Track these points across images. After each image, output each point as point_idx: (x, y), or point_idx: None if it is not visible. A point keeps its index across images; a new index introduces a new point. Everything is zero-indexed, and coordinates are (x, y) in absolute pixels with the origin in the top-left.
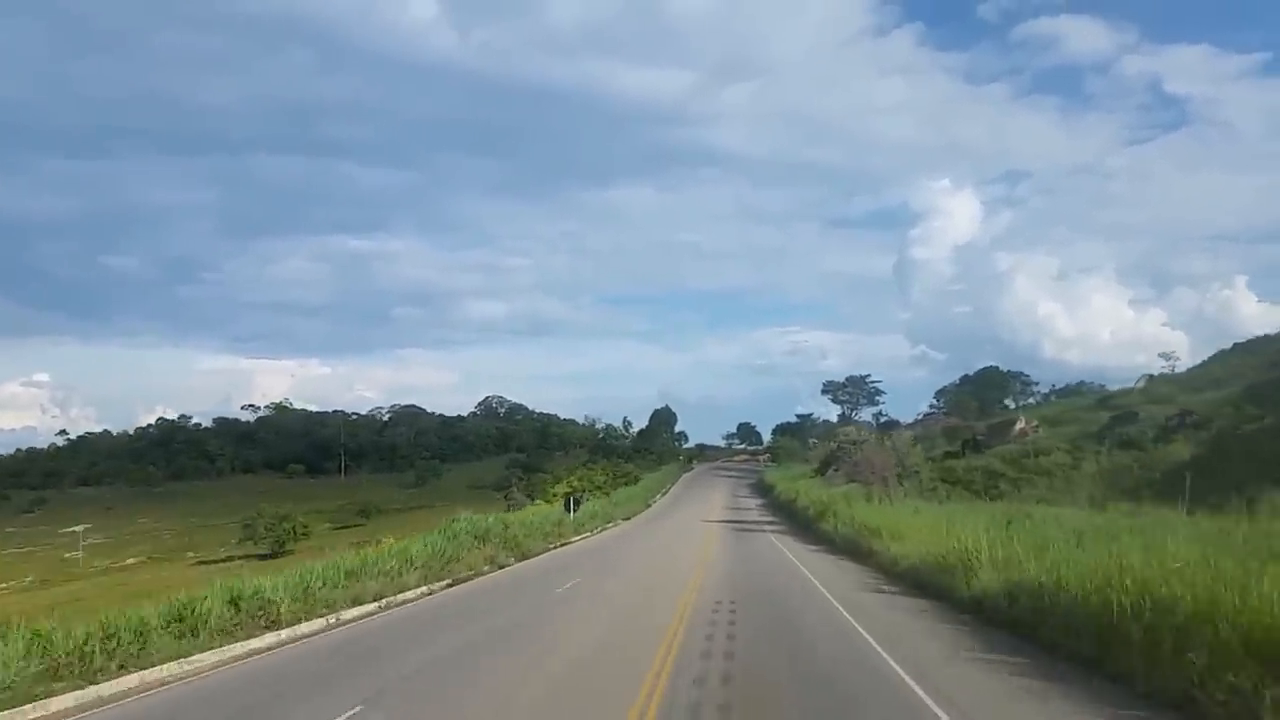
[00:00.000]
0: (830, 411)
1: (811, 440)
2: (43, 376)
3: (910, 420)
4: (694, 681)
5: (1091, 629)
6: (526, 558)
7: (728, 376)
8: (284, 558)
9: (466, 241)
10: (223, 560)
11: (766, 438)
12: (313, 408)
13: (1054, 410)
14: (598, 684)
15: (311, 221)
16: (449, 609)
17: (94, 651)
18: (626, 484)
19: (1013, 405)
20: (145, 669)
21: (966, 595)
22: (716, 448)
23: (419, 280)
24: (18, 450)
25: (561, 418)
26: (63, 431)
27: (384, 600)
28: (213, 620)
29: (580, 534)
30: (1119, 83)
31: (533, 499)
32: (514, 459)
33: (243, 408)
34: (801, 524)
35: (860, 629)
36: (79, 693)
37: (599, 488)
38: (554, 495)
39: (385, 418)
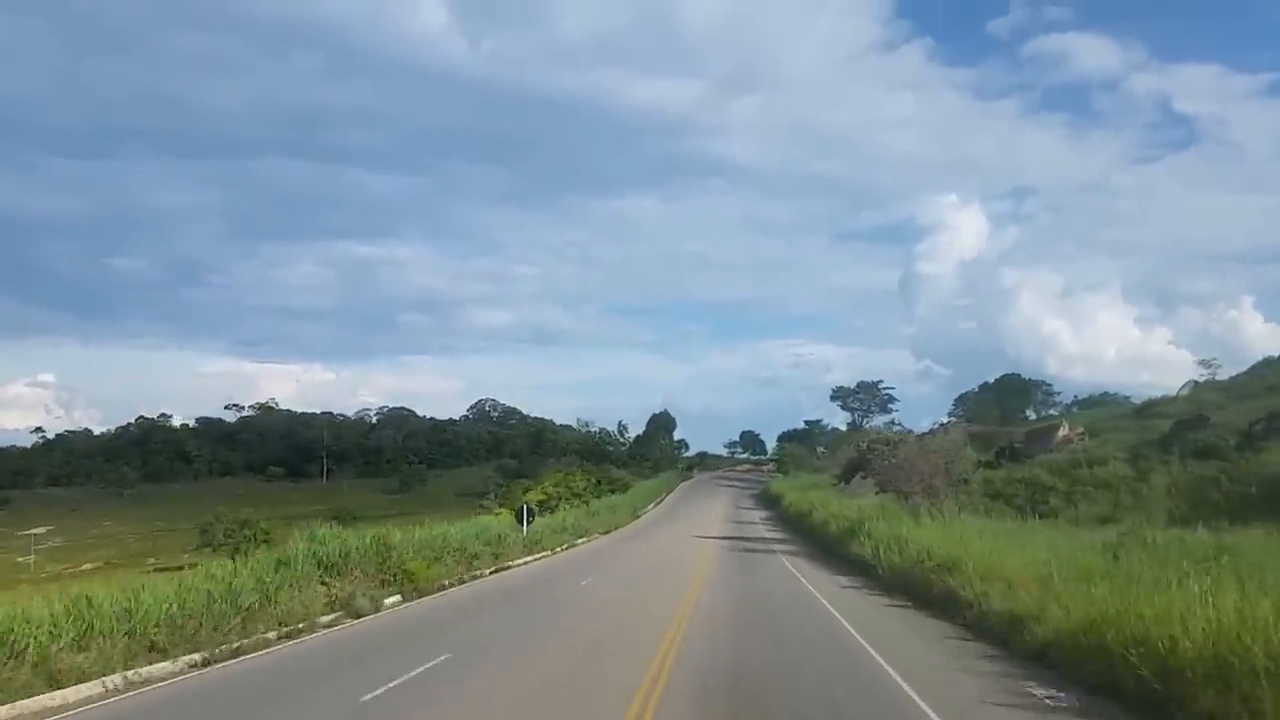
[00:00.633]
0: (839, 419)
1: (820, 448)
2: (47, 377)
3: (927, 428)
4: None
5: None
6: (422, 593)
7: (731, 388)
8: None
9: (473, 250)
10: (180, 567)
11: (771, 446)
12: (297, 409)
13: (1083, 419)
14: None
15: (319, 226)
16: None
17: None
18: (613, 492)
19: (1033, 415)
20: None
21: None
22: (718, 456)
23: (425, 287)
24: None
25: (558, 423)
26: (38, 429)
27: None
28: None
29: (534, 553)
30: (1128, 101)
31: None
32: (504, 465)
33: (226, 408)
34: (821, 544)
35: None
36: None
37: (577, 495)
38: (526, 505)
39: (373, 420)
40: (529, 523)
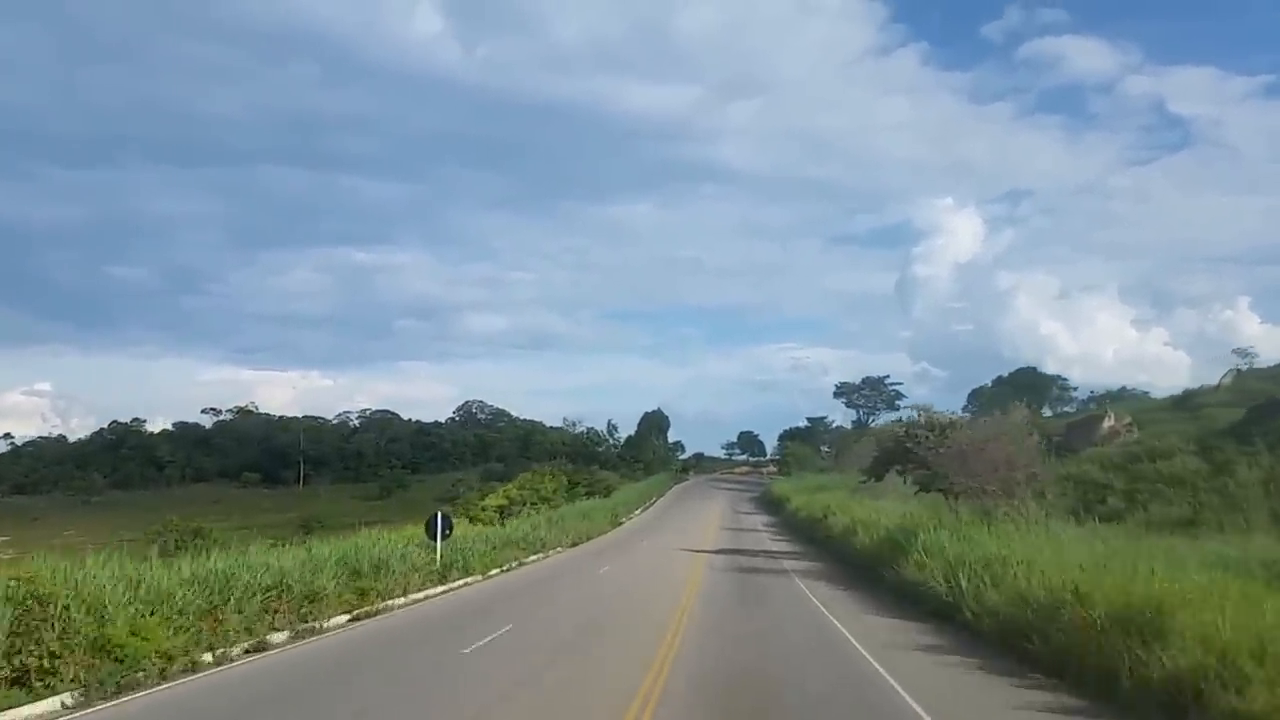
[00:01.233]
0: (843, 417)
1: (823, 448)
2: (45, 385)
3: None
4: None
5: None
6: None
7: (728, 392)
8: None
9: (469, 255)
10: None
11: (771, 446)
12: (276, 412)
13: (1116, 413)
14: None
15: (316, 233)
16: None
17: None
18: (590, 495)
19: (1049, 413)
20: None
21: None
22: (715, 459)
23: (421, 293)
24: None
25: (548, 425)
26: (7, 435)
27: None
28: None
29: (449, 582)
30: (1123, 103)
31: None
32: (490, 469)
33: (203, 411)
34: (845, 559)
35: None
36: None
37: (545, 499)
38: (484, 510)
39: (355, 424)
40: (443, 538)
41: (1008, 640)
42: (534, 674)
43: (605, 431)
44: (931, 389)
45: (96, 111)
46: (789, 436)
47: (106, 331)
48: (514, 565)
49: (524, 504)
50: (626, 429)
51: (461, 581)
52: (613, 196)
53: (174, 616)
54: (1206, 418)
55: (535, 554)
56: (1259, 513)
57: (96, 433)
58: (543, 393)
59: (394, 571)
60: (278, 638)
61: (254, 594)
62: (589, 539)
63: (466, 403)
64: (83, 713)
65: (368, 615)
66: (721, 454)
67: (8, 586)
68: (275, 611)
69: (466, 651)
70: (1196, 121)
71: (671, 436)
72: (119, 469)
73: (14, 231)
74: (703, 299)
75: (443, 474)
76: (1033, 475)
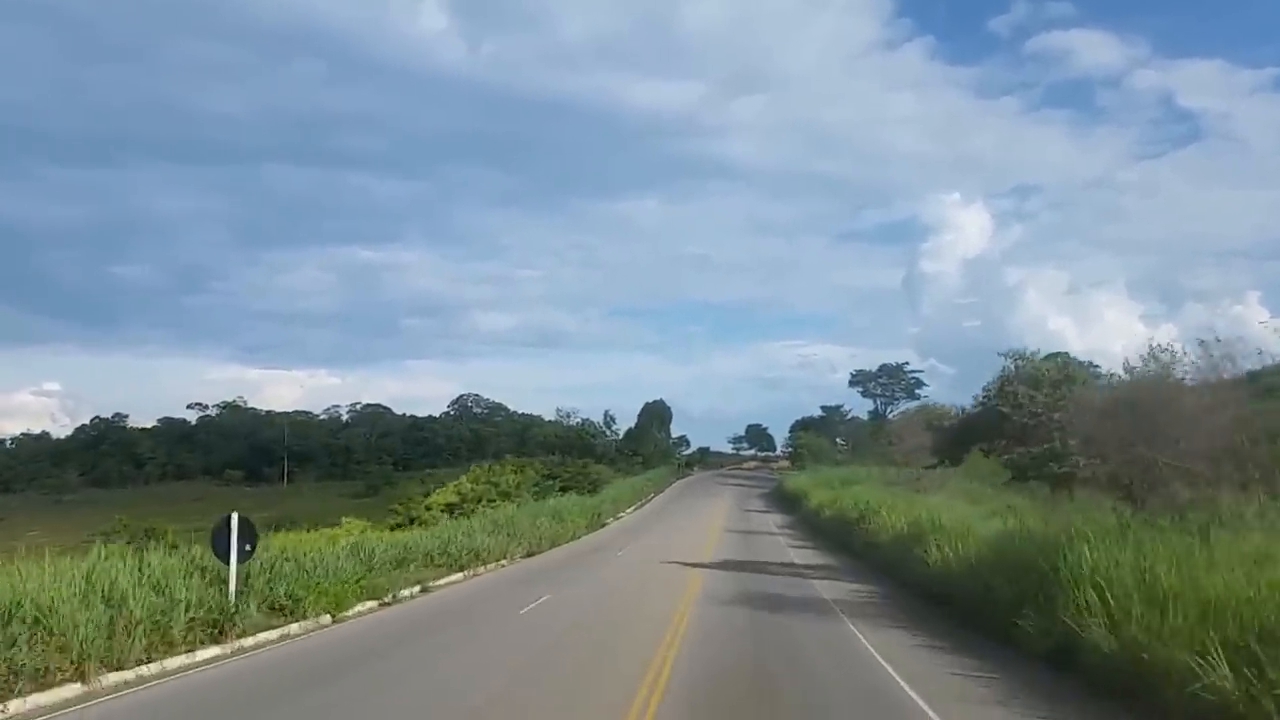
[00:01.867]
0: (859, 407)
1: (838, 439)
2: (53, 385)
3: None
4: None
5: None
6: None
7: (735, 389)
8: None
9: (476, 253)
10: None
11: (781, 440)
12: (262, 408)
13: None
14: None
15: (322, 232)
16: None
17: None
18: (565, 491)
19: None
20: None
21: None
22: (722, 454)
23: (428, 291)
24: None
25: (546, 419)
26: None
27: None
28: None
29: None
30: (1131, 97)
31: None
32: (482, 465)
33: (189, 407)
34: (911, 584)
35: None
36: None
37: (505, 495)
38: (429, 509)
39: (344, 419)
40: (242, 557)
41: None
42: None
43: (602, 423)
44: (940, 385)
45: (101, 110)
46: (801, 427)
47: (113, 331)
48: (405, 595)
49: (479, 500)
50: (630, 423)
51: (277, 634)
52: (619, 193)
53: None
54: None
55: (458, 572)
56: None
57: (79, 429)
58: (549, 390)
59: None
60: None
61: None
62: (555, 545)
63: (461, 396)
64: None
65: None
66: (728, 449)
67: None
68: None
69: None
70: (1205, 115)
71: (677, 432)
72: (97, 466)
73: (20, 231)
74: (710, 295)
75: (435, 469)
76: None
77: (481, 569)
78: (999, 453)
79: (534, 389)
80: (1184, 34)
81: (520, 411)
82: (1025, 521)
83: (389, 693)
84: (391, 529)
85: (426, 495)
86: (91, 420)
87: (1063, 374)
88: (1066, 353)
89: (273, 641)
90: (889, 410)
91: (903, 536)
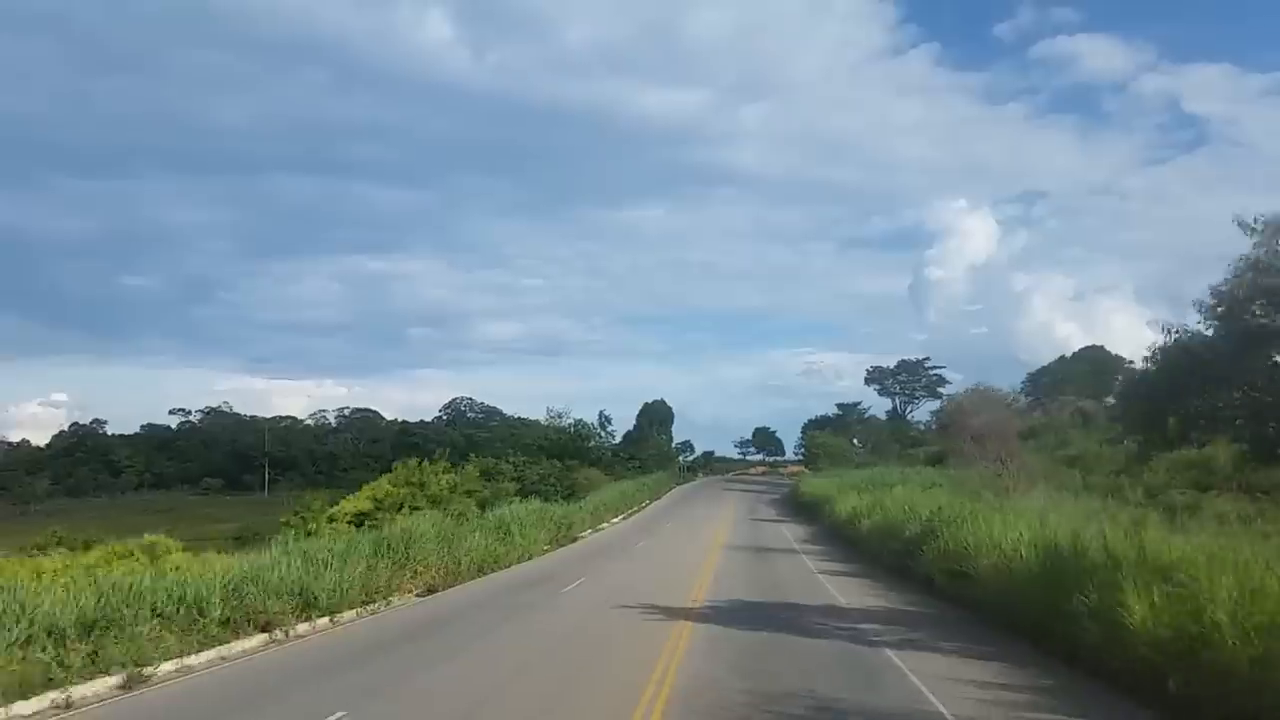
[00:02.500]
0: (877, 407)
1: (854, 440)
2: (61, 396)
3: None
4: None
5: None
6: None
7: (741, 397)
8: None
9: (482, 262)
10: None
11: (792, 444)
12: (245, 413)
13: None
14: None
15: (329, 242)
16: None
17: None
18: (527, 497)
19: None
20: None
21: None
22: (729, 459)
23: (434, 300)
24: None
25: (543, 423)
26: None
27: None
28: None
29: None
30: (1137, 102)
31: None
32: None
33: (170, 413)
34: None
35: None
36: None
37: (435, 501)
38: (332, 520)
39: (331, 424)
40: None
41: None
42: None
43: (597, 424)
44: (947, 391)
45: (109, 122)
46: (815, 426)
47: (121, 342)
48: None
49: (399, 508)
50: (632, 426)
51: None
52: (625, 201)
53: None
54: None
55: (247, 637)
56: None
57: (55, 436)
58: (556, 398)
59: None
60: None
61: None
62: (491, 571)
63: (454, 400)
64: None
65: None
66: (735, 454)
67: None
68: None
69: None
70: (1212, 120)
71: (682, 437)
72: (72, 475)
73: (29, 242)
74: (716, 303)
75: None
76: None
77: (303, 626)
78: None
79: (541, 397)
80: (1190, 38)
81: (516, 415)
82: None
83: None
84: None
85: (333, 504)
86: (70, 427)
87: None
88: None
89: None
90: (908, 410)
91: (1036, 571)
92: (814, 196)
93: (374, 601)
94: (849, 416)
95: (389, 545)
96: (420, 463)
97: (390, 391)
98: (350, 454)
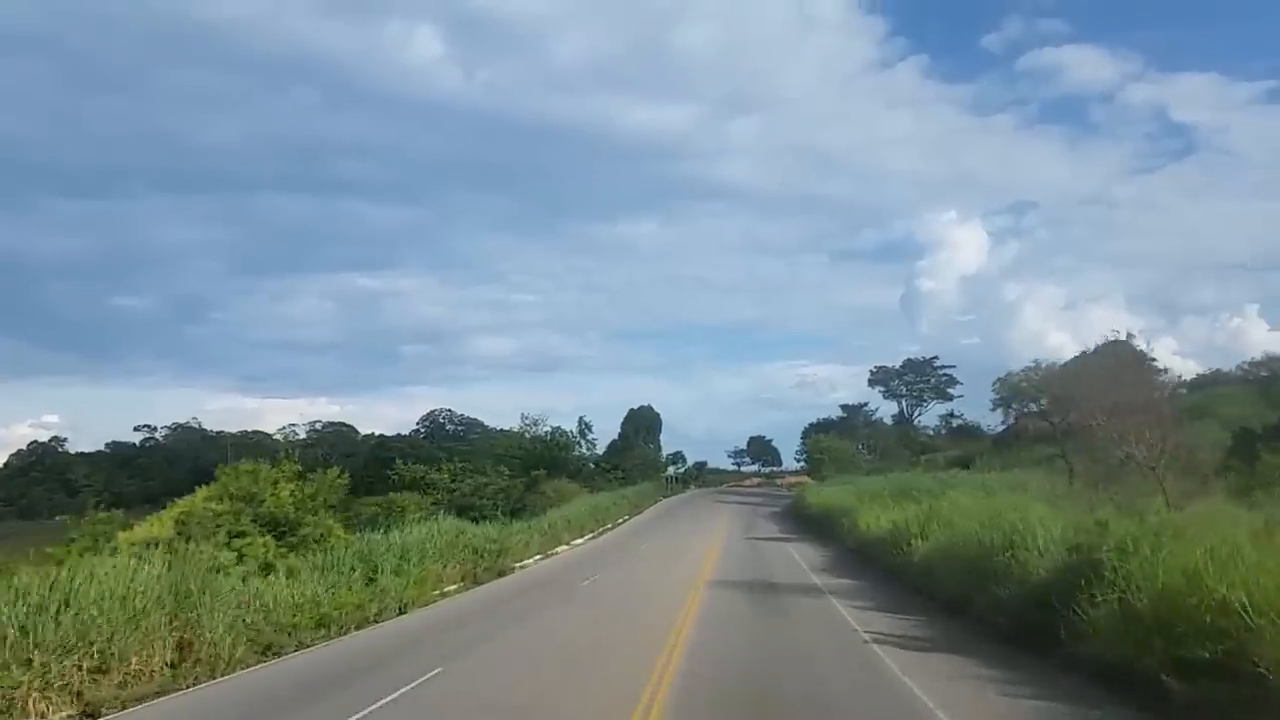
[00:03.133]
0: (884, 409)
1: (859, 445)
2: (52, 418)
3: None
4: None
5: None
6: None
7: (735, 410)
8: None
9: (475, 278)
10: None
11: (791, 451)
12: (212, 428)
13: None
14: None
15: (320, 259)
16: None
17: None
18: (487, 516)
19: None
20: None
21: None
22: (722, 471)
23: (427, 317)
24: None
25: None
26: None
27: None
28: None
29: None
30: (1125, 112)
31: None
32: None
33: (136, 429)
34: None
35: None
36: None
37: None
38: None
39: (302, 439)
40: None
41: None
42: None
43: (576, 431)
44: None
45: (99, 142)
46: (821, 428)
47: (112, 362)
48: None
49: (217, 531)
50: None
51: None
52: (617, 216)
53: None
54: None
55: None
56: None
57: (14, 454)
58: (550, 414)
59: None
60: None
61: None
62: (323, 641)
63: (432, 412)
64: None
65: None
66: (729, 464)
67: None
68: None
69: None
70: (1200, 129)
71: (673, 448)
72: (25, 495)
73: (19, 263)
74: (708, 317)
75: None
76: None
77: None
78: None
79: (536, 411)
80: (1176, 48)
81: (499, 428)
82: None
83: None
84: None
85: (128, 527)
86: (29, 445)
87: None
88: None
89: None
90: (916, 413)
91: None
92: (805, 209)
93: None
94: (854, 419)
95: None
96: (255, 468)
97: (384, 409)
98: (319, 470)
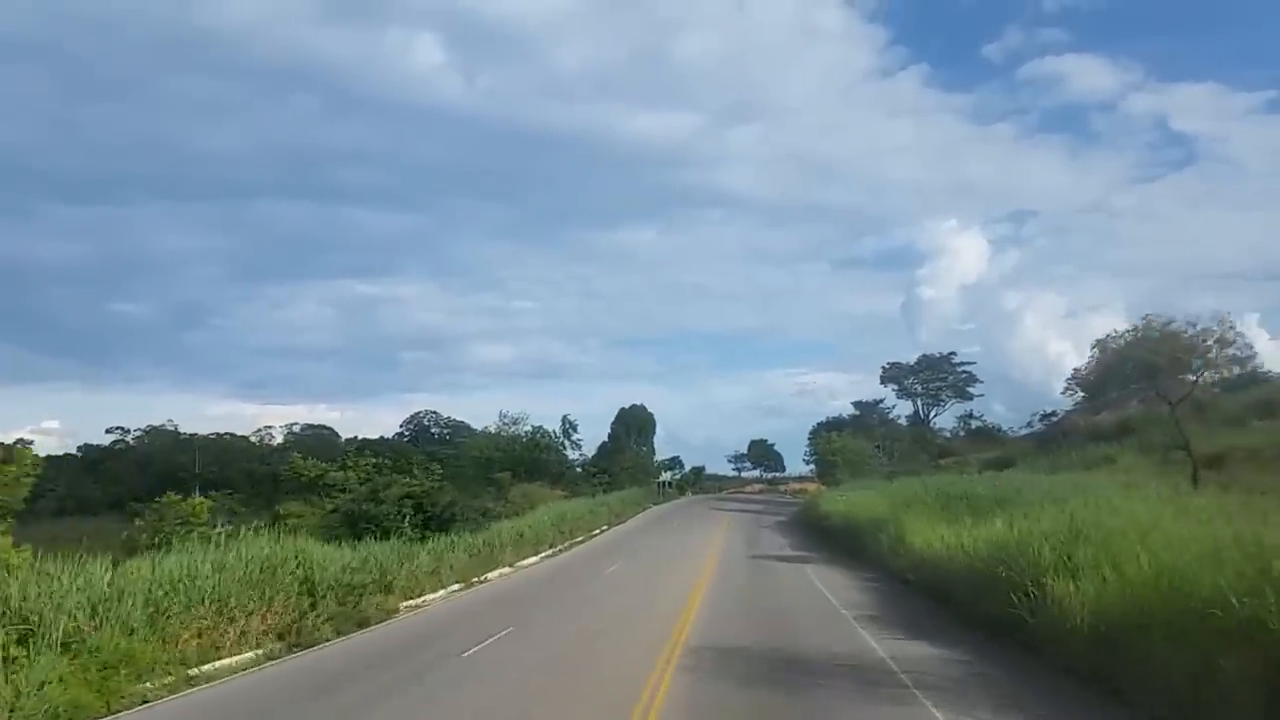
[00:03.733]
0: (900, 408)
1: (876, 447)
2: (52, 424)
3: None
4: None
5: None
6: None
7: (735, 418)
8: None
9: (474, 285)
10: None
11: (793, 456)
12: (185, 430)
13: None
14: None
15: (320, 266)
16: None
17: None
18: (386, 531)
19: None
20: None
21: None
22: (721, 477)
23: (427, 324)
24: None
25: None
26: None
27: None
28: None
29: None
30: (1125, 121)
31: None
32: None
33: (107, 431)
34: None
35: None
36: None
37: None
38: None
39: (277, 443)
40: None
41: None
42: None
43: (560, 431)
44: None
45: (98, 148)
46: (833, 426)
47: (112, 368)
48: None
49: None
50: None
51: None
52: (617, 224)
53: None
54: None
55: None
56: None
57: None
58: (550, 421)
59: None
60: None
61: None
62: None
63: (416, 415)
64: None
65: None
66: (729, 470)
67: None
68: None
69: None
70: (1200, 138)
71: (671, 453)
72: None
73: (19, 269)
74: (708, 325)
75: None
76: None
77: None
78: None
79: (535, 417)
80: (1177, 57)
81: (484, 429)
82: None
83: None
84: None
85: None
86: None
87: None
88: None
89: None
90: (933, 413)
91: None
92: (805, 217)
93: None
94: (868, 417)
95: None
96: None
97: (383, 415)
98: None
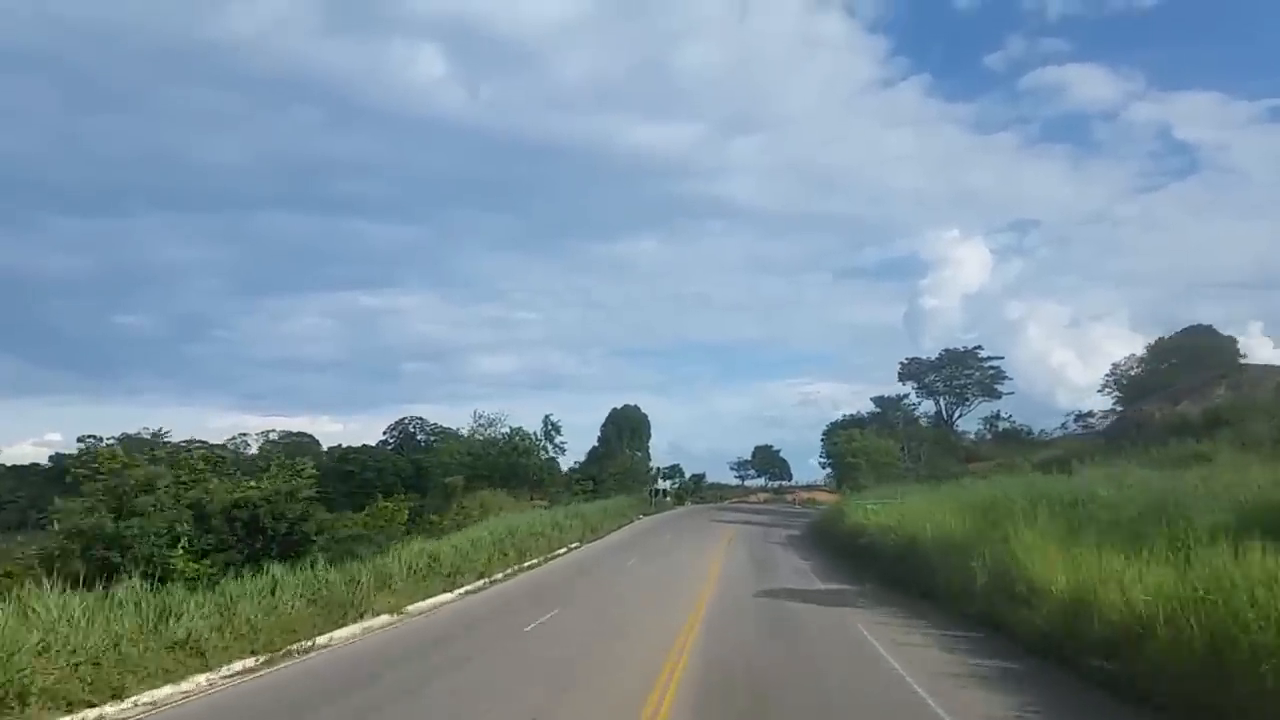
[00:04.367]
0: (923, 406)
1: (901, 448)
2: (54, 436)
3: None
4: None
5: None
6: None
7: (737, 429)
8: None
9: (476, 296)
10: None
11: (809, 462)
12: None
13: None
14: None
15: (322, 278)
16: None
17: None
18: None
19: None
20: None
21: None
22: (723, 485)
23: (429, 336)
24: None
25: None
26: None
27: None
28: None
29: None
30: (1128, 130)
31: None
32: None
33: (79, 439)
34: None
35: None
36: None
37: None
38: None
39: (252, 452)
40: None
41: None
42: None
43: (542, 433)
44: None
45: (101, 160)
46: (842, 426)
47: (114, 380)
48: None
49: None
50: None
51: None
52: (618, 234)
53: None
54: None
55: None
56: None
57: None
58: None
59: None
60: None
61: None
62: None
63: (400, 421)
64: None
65: None
66: (732, 478)
67: None
68: None
69: None
70: (1203, 147)
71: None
72: None
73: (21, 282)
74: (710, 336)
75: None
76: None
77: None
78: None
79: (494, 411)
80: (1179, 66)
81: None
82: None
83: None
84: None
85: None
86: None
87: None
88: None
89: None
90: (958, 413)
91: None
92: (807, 228)
93: None
94: (890, 414)
95: None
96: None
97: (383, 427)
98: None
